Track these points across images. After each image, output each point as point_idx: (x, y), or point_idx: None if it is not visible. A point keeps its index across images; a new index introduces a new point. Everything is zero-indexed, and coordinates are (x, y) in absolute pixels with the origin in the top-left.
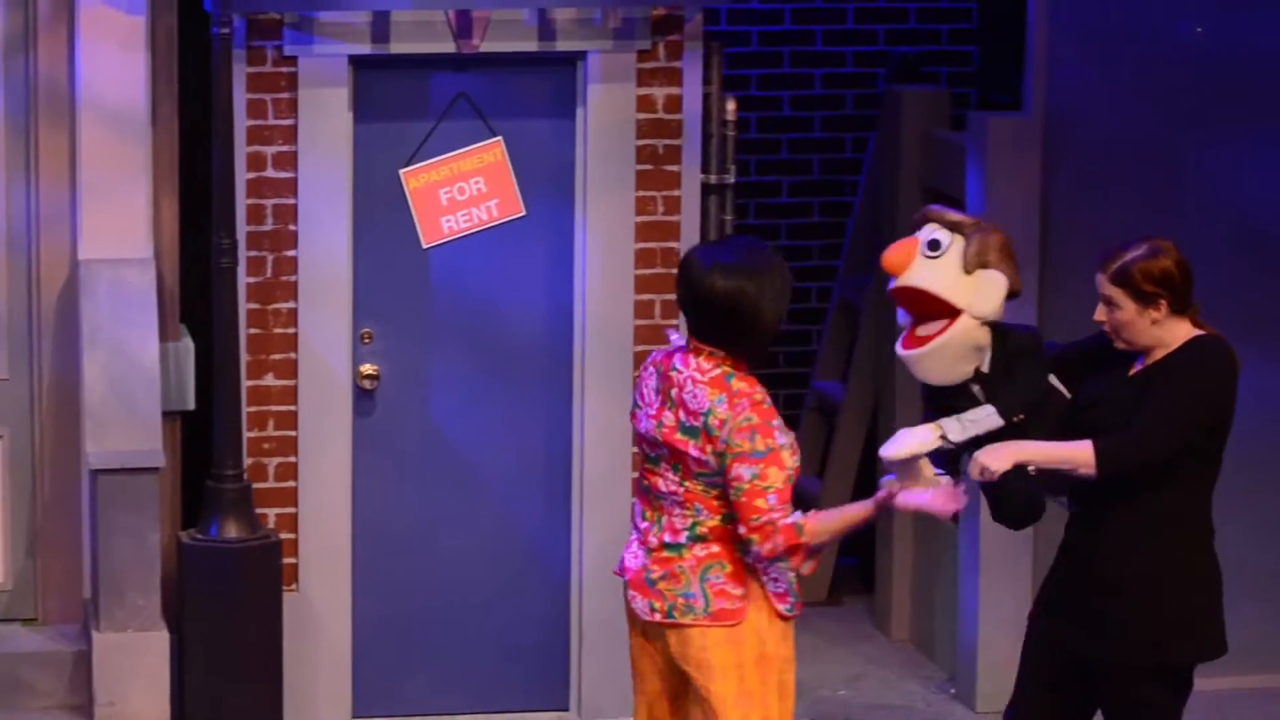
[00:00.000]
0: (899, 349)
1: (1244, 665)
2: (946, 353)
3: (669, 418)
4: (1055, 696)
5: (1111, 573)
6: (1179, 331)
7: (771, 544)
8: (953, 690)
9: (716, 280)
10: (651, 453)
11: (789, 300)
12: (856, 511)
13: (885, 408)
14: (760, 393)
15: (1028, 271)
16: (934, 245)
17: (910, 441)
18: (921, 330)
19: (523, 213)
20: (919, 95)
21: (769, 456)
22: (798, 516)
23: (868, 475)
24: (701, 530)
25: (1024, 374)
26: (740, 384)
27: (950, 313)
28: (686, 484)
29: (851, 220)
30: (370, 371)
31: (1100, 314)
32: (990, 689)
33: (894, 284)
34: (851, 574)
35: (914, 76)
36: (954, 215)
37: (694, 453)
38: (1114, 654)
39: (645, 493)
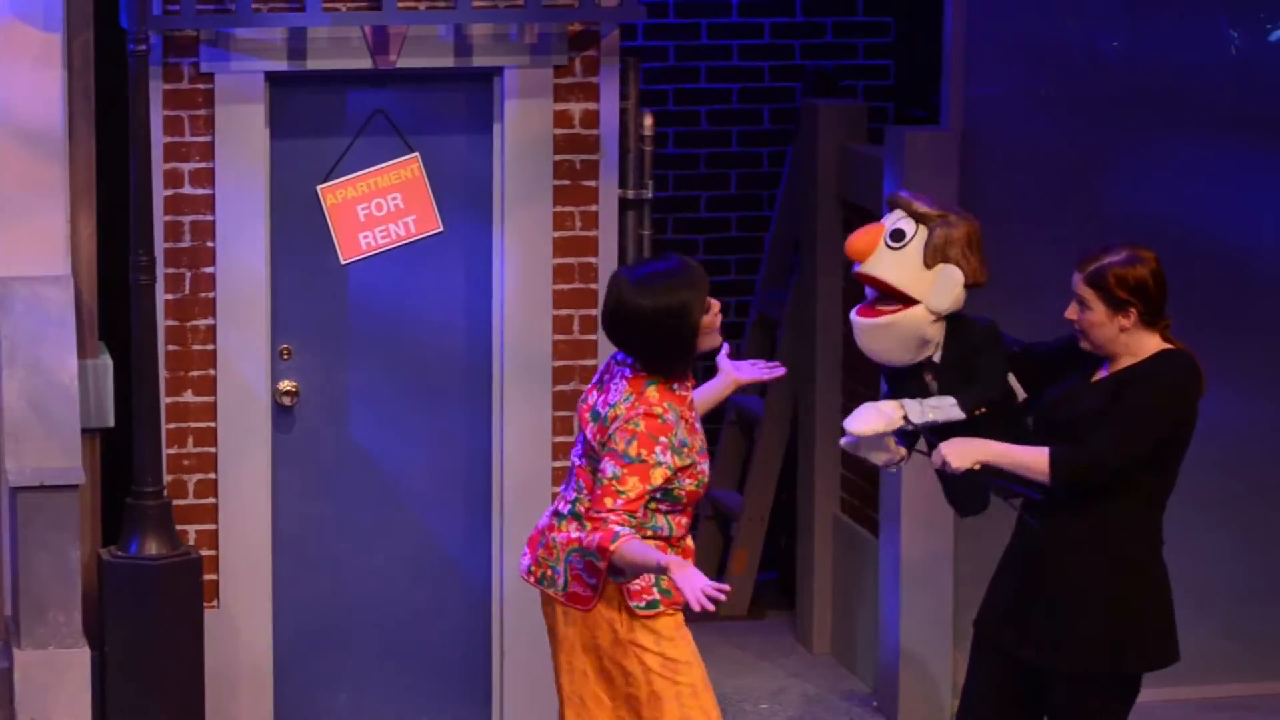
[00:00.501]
0: (854, 314)
1: (1191, 677)
2: (891, 334)
3: (592, 397)
4: (1006, 703)
5: (1065, 581)
6: (1148, 343)
7: (592, 538)
8: (875, 703)
9: (638, 299)
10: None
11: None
12: (655, 559)
13: (804, 421)
14: (667, 410)
15: None
16: (898, 235)
17: (876, 420)
18: (881, 306)
19: (440, 229)
20: (836, 110)
21: (636, 466)
22: (624, 531)
23: (788, 488)
24: (580, 509)
25: (987, 370)
26: (653, 394)
27: (908, 302)
28: (582, 461)
29: (769, 235)
30: (289, 388)
31: (1072, 312)
32: (912, 702)
33: (857, 269)
34: (772, 588)
35: (831, 91)
36: (921, 206)
37: (589, 435)
38: (1068, 663)
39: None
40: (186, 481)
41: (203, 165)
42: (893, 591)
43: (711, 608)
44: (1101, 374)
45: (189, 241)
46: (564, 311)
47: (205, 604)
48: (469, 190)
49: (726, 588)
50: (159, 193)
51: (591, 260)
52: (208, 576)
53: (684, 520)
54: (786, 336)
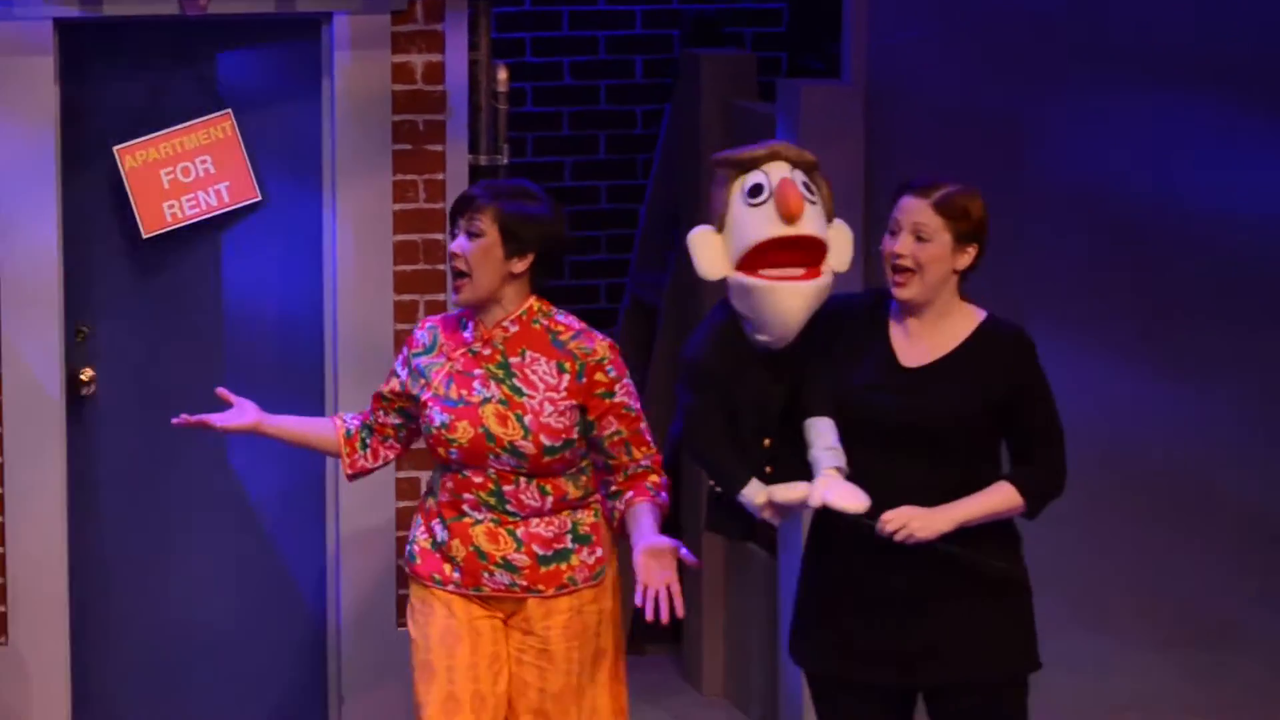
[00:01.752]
0: (794, 280)
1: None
2: (819, 296)
3: None
4: None
5: (957, 589)
6: (964, 306)
7: None
8: None
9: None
10: None
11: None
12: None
13: None
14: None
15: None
16: (808, 189)
17: (855, 497)
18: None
19: (259, 198)
20: (720, 61)
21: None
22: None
23: (673, 508)
24: None
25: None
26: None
27: (814, 265)
28: None
29: (644, 206)
30: (87, 377)
31: (901, 246)
32: None
33: (787, 233)
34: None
35: (714, 39)
36: (808, 154)
37: None
38: (978, 672)
39: None
40: None
41: None
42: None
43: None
44: (920, 358)
45: None
46: (407, 296)
47: None
48: (293, 154)
49: None
50: None
51: (438, 237)
52: None
53: (449, 483)
54: (666, 324)
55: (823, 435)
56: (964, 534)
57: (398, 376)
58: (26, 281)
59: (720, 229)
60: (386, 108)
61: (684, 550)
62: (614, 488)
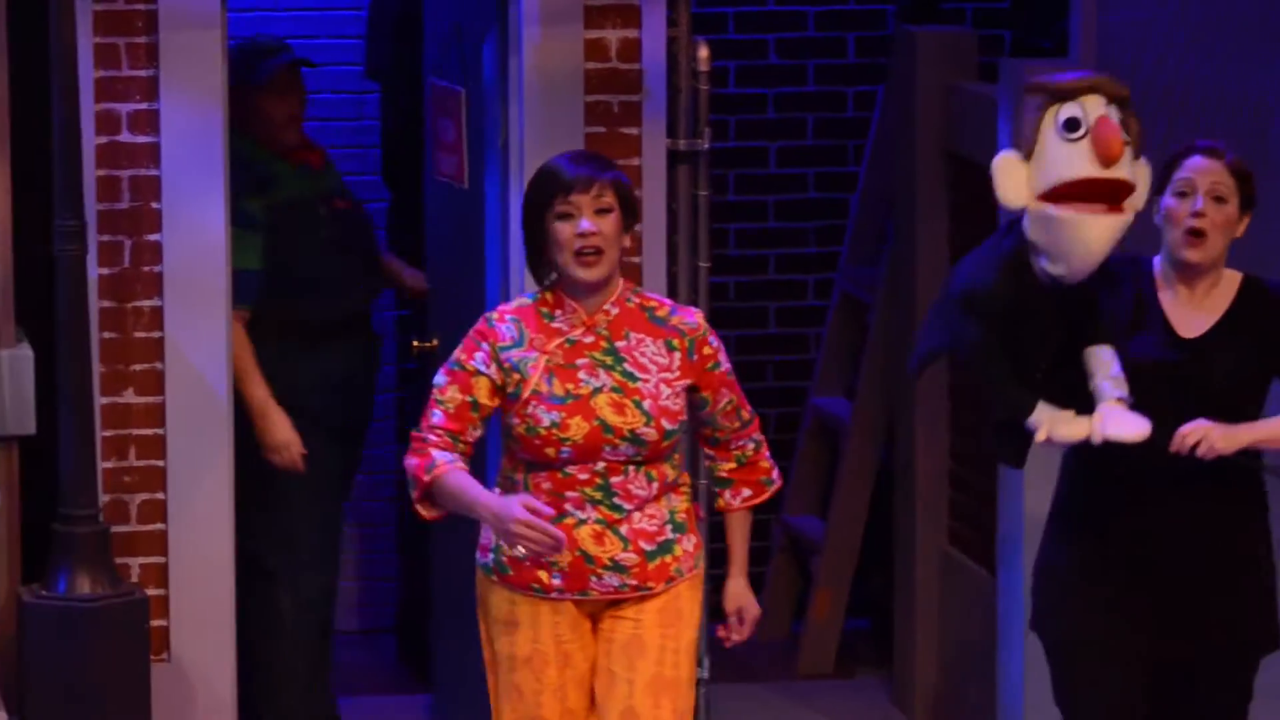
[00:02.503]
0: (1095, 212)
1: None
2: (1121, 233)
3: None
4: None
5: (1229, 556)
6: (1226, 270)
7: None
8: None
9: None
10: None
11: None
12: (490, 503)
13: (903, 428)
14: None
15: None
16: (1073, 125)
17: (1137, 425)
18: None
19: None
20: (939, 38)
21: (454, 371)
22: (442, 458)
23: (882, 510)
24: None
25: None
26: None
27: (1117, 203)
28: None
29: (856, 196)
30: None
31: (1205, 207)
32: None
33: (1102, 175)
34: (863, 639)
35: (932, 15)
36: (1124, 87)
37: None
38: (1243, 642)
39: None
40: (128, 503)
41: (144, 106)
42: (1014, 641)
43: (524, 555)
44: (1199, 327)
45: (128, 202)
46: None
47: (153, 656)
48: (477, 137)
49: (560, 535)
50: (89, 141)
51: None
52: (155, 622)
53: (546, 484)
54: (878, 322)
55: (1105, 364)
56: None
57: (484, 376)
58: (194, 278)
59: (1028, 157)
60: (578, 88)
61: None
62: (724, 473)
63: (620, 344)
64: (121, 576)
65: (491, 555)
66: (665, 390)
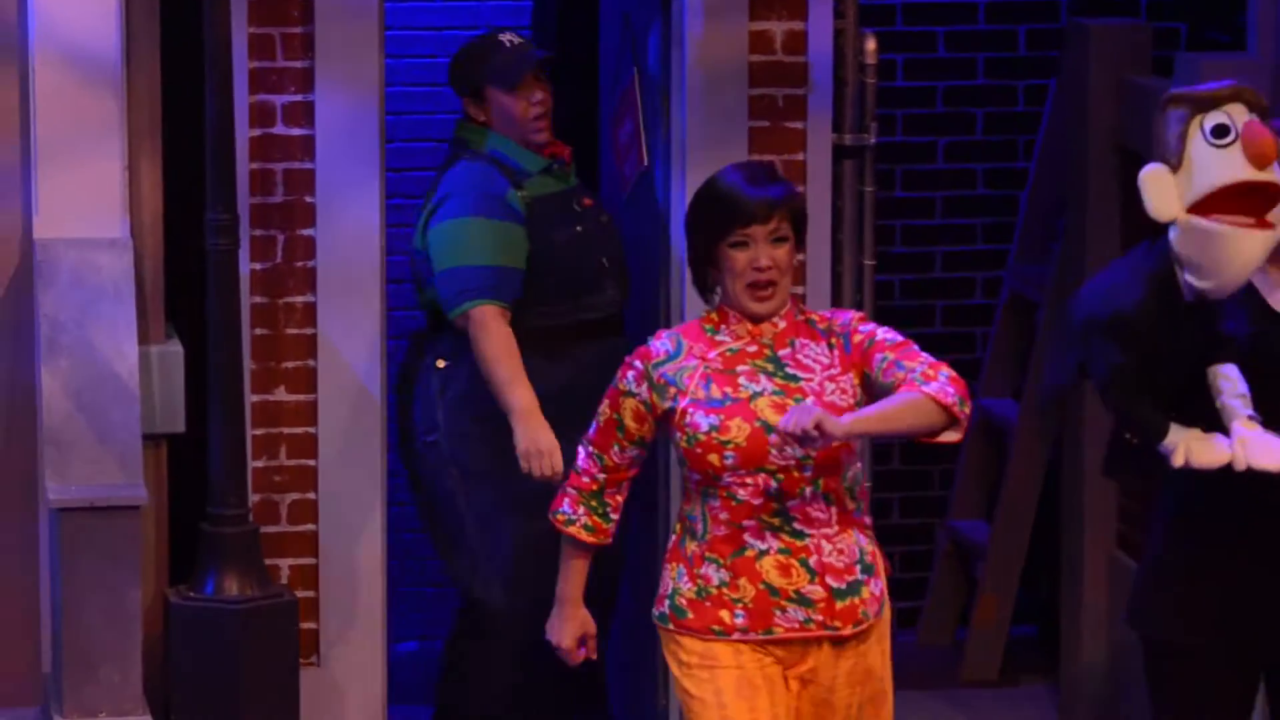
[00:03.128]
0: (1245, 226)
1: None
2: (1271, 247)
3: None
4: None
5: None
6: None
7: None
8: None
9: None
10: None
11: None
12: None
13: (1070, 431)
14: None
15: None
16: (1221, 131)
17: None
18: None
19: (645, 165)
20: (1112, 31)
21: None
22: (565, 513)
23: (1048, 518)
24: None
25: None
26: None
27: (1262, 215)
28: None
29: (1025, 192)
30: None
31: None
32: None
33: (1257, 178)
34: (1029, 646)
35: (1106, 7)
36: (1263, 99)
37: None
38: None
39: None
40: (278, 503)
41: (300, 98)
42: None
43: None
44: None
45: (281, 196)
46: None
47: (302, 660)
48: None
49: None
50: (243, 133)
51: None
52: (305, 624)
53: (723, 514)
54: (1048, 322)
55: (1232, 382)
56: None
57: (633, 397)
58: (347, 274)
59: (1176, 169)
60: (742, 81)
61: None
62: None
63: (783, 352)
64: (271, 578)
65: (668, 602)
66: (830, 385)
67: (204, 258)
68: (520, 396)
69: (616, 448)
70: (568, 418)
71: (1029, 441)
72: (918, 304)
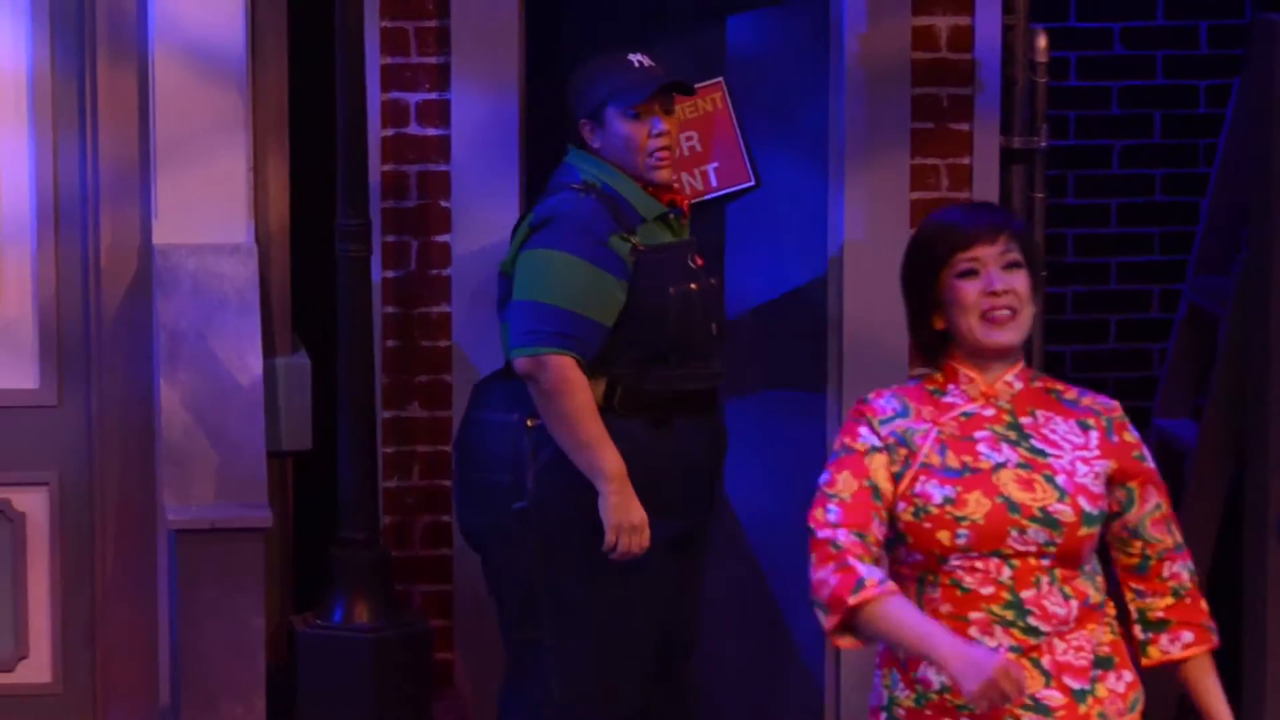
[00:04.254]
0: None
1: None
2: None
3: None
4: None
5: None
6: None
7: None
8: None
9: None
10: None
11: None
12: (954, 646)
13: (1255, 452)
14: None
15: None
16: None
17: None
18: None
19: (752, 182)
20: None
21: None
22: (872, 575)
23: (1230, 545)
24: None
25: None
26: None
27: None
28: None
29: (1206, 199)
30: None
31: None
32: None
33: None
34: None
35: None
36: None
37: None
38: None
39: None
40: (411, 526)
41: (435, 96)
42: None
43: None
44: None
45: (415, 200)
46: None
47: (435, 692)
48: (793, 133)
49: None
50: (375, 134)
51: None
52: (439, 655)
53: (944, 605)
54: (1230, 337)
55: None
56: None
57: (878, 452)
58: (483, 276)
59: None
60: (905, 80)
61: None
62: (1158, 613)
63: (1025, 420)
64: (402, 605)
65: (884, 715)
66: (1082, 468)
67: (333, 265)
68: (612, 460)
69: (876, 520)
70: (651, 501)
71: (1208, 464)
72: (1091, 318)
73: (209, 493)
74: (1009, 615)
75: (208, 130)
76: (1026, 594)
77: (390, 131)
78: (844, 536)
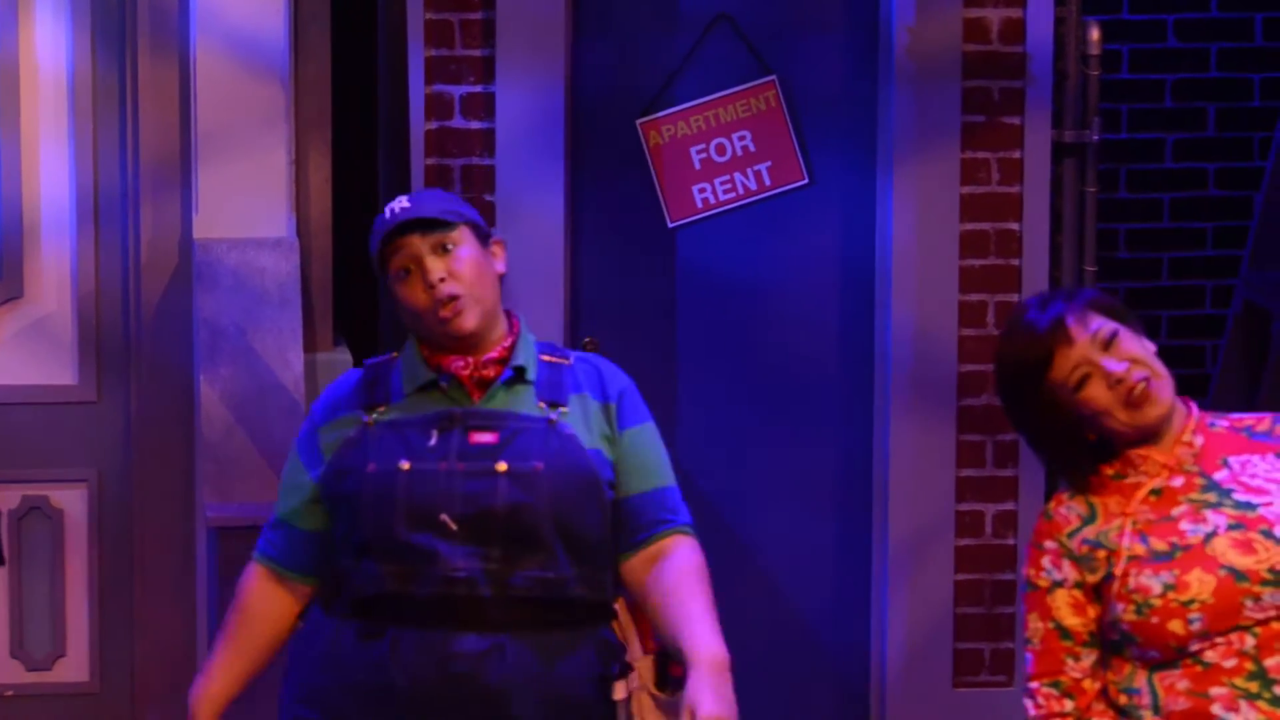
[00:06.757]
0: None
1: None
2: None
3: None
4: None
5: None
6: None
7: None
8: None
9: None
10: None
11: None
12: None
13: None
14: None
15: None
16: None
17: None
18: None
19: (805, 180)
20: None
21: (1029, 595)
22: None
23: None
24: None
25: None
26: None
27: None
28: None
29: (1261, 193)
30: None
31: None
32: None
33: None
34: None
35: None
36: None
37: None
38: None
39: None
40: None
41: (479, 89)
42: None
43: None
44: None
45: (459, 194)
46: (974, 296)
47: None
48: (845, 129)
49: None
50: (419, 126)
51: (1012, 226)
52: None
53: (1182, 683)
54: None
55: None
56: None
57: (1060, 588)
58: (528, 278)
59: None
60: (955, 73)
61: None
62: None
63: (1219, 475)
64: None
65: None
66: None
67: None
68: (710, 641)
69: (1070, 660)
70: None
71: None
72: (1143, 314)
73: (249, 490)
74: (1253, 688)
75: (249, 124)
76: (1271, 661)
77: (434, 125)
78: (1039, 689)
